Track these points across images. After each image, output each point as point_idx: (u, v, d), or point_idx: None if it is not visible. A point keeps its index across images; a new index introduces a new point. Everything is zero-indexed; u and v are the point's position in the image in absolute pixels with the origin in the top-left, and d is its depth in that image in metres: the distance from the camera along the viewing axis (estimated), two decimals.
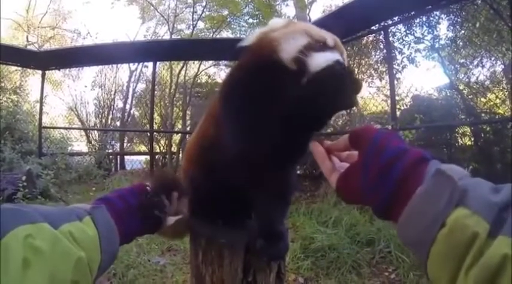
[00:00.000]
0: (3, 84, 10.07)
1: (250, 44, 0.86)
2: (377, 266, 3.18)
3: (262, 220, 0.98)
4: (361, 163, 0.58)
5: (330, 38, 0.78)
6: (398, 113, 5.55)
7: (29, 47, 11.57)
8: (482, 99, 5.90)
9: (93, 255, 0.62)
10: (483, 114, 5.55)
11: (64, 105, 10.77)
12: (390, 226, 3.63)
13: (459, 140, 5.34)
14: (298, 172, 6.29)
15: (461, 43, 6.56)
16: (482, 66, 6.29)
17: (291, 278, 2.87)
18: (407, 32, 6.47)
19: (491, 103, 5.72)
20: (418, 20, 6.22)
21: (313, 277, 2.93)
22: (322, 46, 0.76)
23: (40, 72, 8.16)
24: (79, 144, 10.22)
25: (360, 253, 3.24)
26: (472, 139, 5.21)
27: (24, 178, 5.33)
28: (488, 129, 4.92)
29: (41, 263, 0.52)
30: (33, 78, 10.78)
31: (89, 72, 10.67)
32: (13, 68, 10.24)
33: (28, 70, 10.24)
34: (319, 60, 0.71)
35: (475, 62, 6.46)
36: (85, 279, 0.61)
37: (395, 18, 5.56)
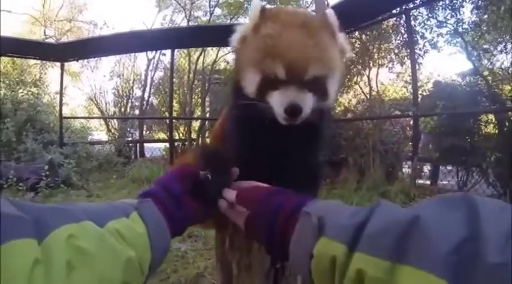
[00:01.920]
0: (23, 78, 10.31)
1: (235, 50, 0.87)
2: None
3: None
4: (254, 217, 0.69)
5: (280, 68, 0.73)
6: (419, 99, 5.42)
7: (47, 41, 11.78)
8: (507, 86, 5.70)
9: (143, 254, 0.59)
10: (508, 102, 5.36)
11: (83, 95, 11.03)
12: None
13: (483, 128, 5.18)
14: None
15: (485, 27, 6.32)
16: (507, 52, 6.06)
17: None
18: (430, 15, 6.27)
19: None
20: (440, 3, 6.02)
21: None
22: (275, 81, 0.75)
23: (59, 64, 8.30)
24: (99, 133, 10.44)
25: None
26: (496, 127, 5.04)
27: (46, 167, 5.48)
28: None
29: (87, 265, 0.48)
30: (53, 70, 11.02)
31: (107, 62, 10.78)
32: (32, 61, 10.49)
33: (47, 63, 10.47)
34: (275, 107, 0.75)
35: (499, 48, 6.23)
36: (136, 280, 0.58)
37: (417, 1, 5.40)
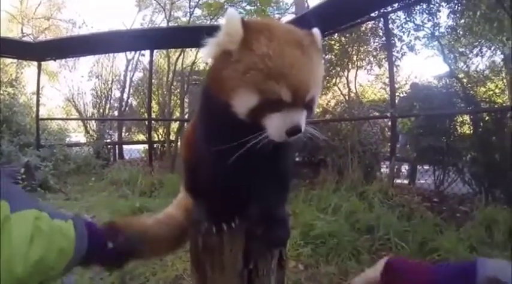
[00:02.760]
0: None
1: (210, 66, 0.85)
2: (377, 253, 3.19)
3: (261, 206, 0.96)
4: None
5: (285, 91, 0.72)
6: (396, 101, 5.53)
7: (24, 39, 11.46)
8: (482, 88, 5.88)
9: (69, 250, 0.78)
10: (482, 103, 5.54)
11: (61, 96, 10.79)
12: (390, 214, 3.66)
13: (458, 129, 5.33)
14: (297, 159, 6.31)
15: (461, 31, 6.52)
16: (482, 56, 6.27)
17: (291, 265, 2.88)
18: (407, 19, 6.42)
19: (491, 92, 5.71)
20: (418, 7, 6.16)
21: (313, 263, 2.94)
22: (277, 104, 0.73)
23: (36, 63, 8.08)
24: (77, 134, 10.24)
25: (360, 240, 3.25)
26: (471, 128, 5.20)
27: (22, 170, 5.34)
28: (487, 118, 4.90)
29: (40, 242, 0.69)
30: (29, 70, 10.73)
31: (86, 62, 10.64)
32: (8, 60, 10.20)
33: (24, 62, 10.18)
34: (273, 129, 0.74)
35: (475, 51, 6.43)
36: (59, 267, 0.76)
37: (395, 5, 5.50)
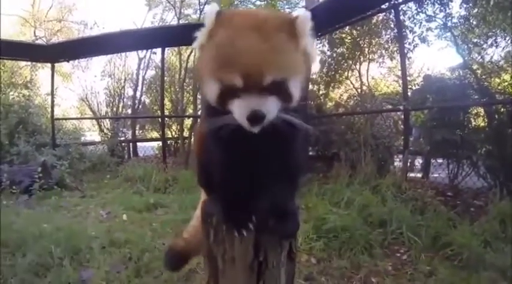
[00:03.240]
0: (14, 80, 10.22)
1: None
2: (389, 247, 3.18)
3: (272, 199, 0.98)
4: None
5: (237, 77, 0.73)
6: (409, 93, 5.46)
7: (37, 42, 11.67)
8: (497, 80, 5.75)
9: None
10: (497, 95, 5.41)
11: (75, 96, 10.93)
12: (403, 207, 3.63)
13: (472, 121, 5.23)
14: (311, 153, 6.30)
15: (474, 21, 6.36)
16: (497, 46, 6.10)
17: (303, 259, 2.89)
18: (419, 10, 6.29)
19: (506, 83, 5.57)
20: None
21: (325, 257, 2.95)
22: (234, 90, 0.75)
23: (49, 65, 8.23)
24: (91, 133, 10.39)
25: (372, 234, 3.24)
26: (486, 120, 5.10)
27: (39, 169, 5.46)
28: (502, 110, 4.80)
29: None
30: (43, 71, 10.90)
31: (98, 62, 10.73)
32: (23, 63, 10.39)
33: (38, 64, 10.35)
34: (236, 115, 0.75)
35: (489, 41, 6.27)
36: None
37: None
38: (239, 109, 0.74)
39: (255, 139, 0.78)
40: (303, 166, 1.04)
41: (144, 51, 9.98)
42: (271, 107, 0.75)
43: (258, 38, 0.74)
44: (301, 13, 0.83)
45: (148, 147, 9.63)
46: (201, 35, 0.83)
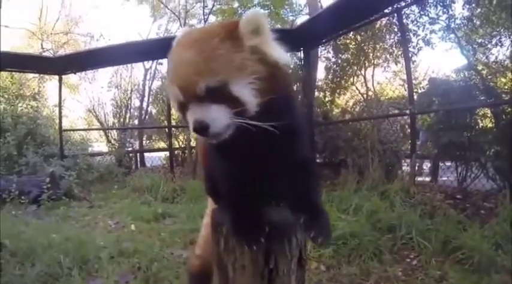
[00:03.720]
0: (22, 92, 10.36)
1: None
2: (399, 252, 3.15)
3: (296, 195, 0.95)
4: None
5: (177, 92, 0.76)
6: (415, 97, 5.44)
7: (44, 54, 11.85)
8: (503, 79, 5.70)
9: None
10: (504, 95, 5.37)
11: (82, 107, 11.07)
12: (411, 212, 3.60)
13: (479, 122, 5.19)
14: (318, 160, 6.28)
15: (478, 22, 6.35)
16: (501, 45, 6.08)
17: (312, 266, 2.88)
18: (421, 13, 6.30)
19: None
20: (431, 0, 6.05)
21: (334, 264, 2.93)
22: (180, 105, 0.78)
23: (57, 77, 8.34)
24: (99, 144, 10.49)
25: (381, 239, 3.21)
26: (493, 121, 5.05)
27: (48, 180, 5.52)
28: (509, 110, 4.76)
29: None
30: (51, 83, 11.07)
31: (105, 74, 10.90)
32: (30, 75, 10.54)
33: (45, 76, 10.50)
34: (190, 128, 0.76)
35: (494, 41, 6.24)
36: None
37: (408, 0, 5.43)
38: (189, 122, 0.76)
39: (254, 144, 0.79)
40: (311, 156, 1.00)
41: (150, 62, 10.08)
42: (214, 115, 0.73)
43: (191, 51, 0.76)
44: (248, 13, 0.81)
45: (156, 157, 9.67)
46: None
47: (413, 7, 6.15)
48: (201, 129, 0.72)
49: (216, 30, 0.79)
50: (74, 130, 10.13)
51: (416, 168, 5.21)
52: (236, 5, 9.60)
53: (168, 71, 0.79)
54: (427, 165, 6.21)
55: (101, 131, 10.55)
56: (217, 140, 0.75)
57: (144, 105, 10.96)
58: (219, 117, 0.73)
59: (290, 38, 6.40)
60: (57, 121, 8.53)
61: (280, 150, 0.87)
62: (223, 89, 0.73)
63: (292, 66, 7.59)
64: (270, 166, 0.90)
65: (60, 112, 8.18)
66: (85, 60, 7.79)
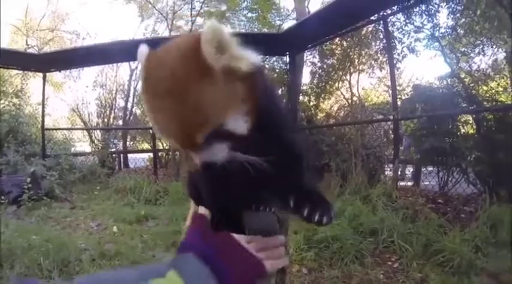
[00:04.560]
0: (4, 88, 10.12)
1: None
2: (380, 255, 3.19)
3: (294, 186, 0.87)
4: None
5: (173, 143, 0.73)
6: (399, 103, 5.53)
7: (29, 50, 11.62)
8: (484, 87, 5.85)
9: None
10: (485, 102, 5.51)
11: (66, 106, 10.84)
12: (393, 216, 3.65)
13: (461, 129, 5.31)
14: None
15: (461, 31, 6.51)
16: (484, 54, 6.23)
17: (294, 270, 2.89)
18: (407, 21, 6.42)
19: (493, 91, 5.68)
20: (417, 9, 6.17)
21: (316, 267, 2.95)
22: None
23: (41, 74, 8.18)
24: (82, 144, 10.31)
25: (363, 243, 3.25)
26: (474, 127, 5.18)
27: (28, 180, 5.39)
28: (490, 117, 4.88)
29: None
30: (34, 80, 10.83)
31: (90, 73, 10.73)
32: (14, 71, 10.31)
33: (29, 73, 10.29)
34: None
35: (476, 50, 6.40)
36: None
37: (394, 8, 5.52)
38: (192, 158, 0.74)
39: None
40: (302, 147, 0.92)
41: (136, 62, 9.98)
42: (217, 151, 0.72)
43: (172, 104, 0.65)
44: (205, 32, 0.64)
45: (139, 159, 9.57)
46: None
47: (399, 15, 6.27)
48: (209, 167, 0.72)
49: (184, 66, 0.66)
50: (56, 129, 9.92)
51: (399, 172, 5.30)
52: (224, 7, 9.62)
53: (150, 115, 0.69)
54: (409, 170, 6.32)
55: (85, 131, 10.38)
56: None
57: (129, 105, 10.82)
58: (221, 153, 0.72)
59: (276, 42, 6.48)
60: (39, 119, 8.36)
61: (266, 152, 0.80)
62: (220, 130, 0.69)
63: (277, 70, 7.64)
64: (255, 172, 0.88)
65: (43, 111, 8.02)
66: (70, 58, 7.65)
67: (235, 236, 0.75)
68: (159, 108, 0.67)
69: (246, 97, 0.72)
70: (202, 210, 0.86)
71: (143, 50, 0.73)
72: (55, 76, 10.84)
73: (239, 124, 0.71)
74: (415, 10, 6.20)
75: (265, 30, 8.76)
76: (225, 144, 0.72)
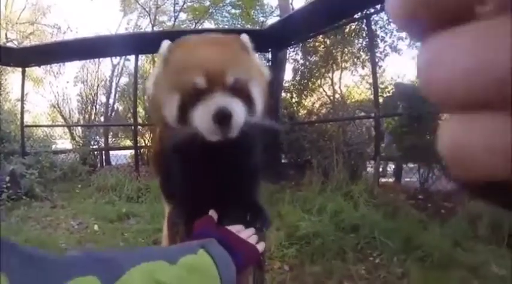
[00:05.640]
0: None
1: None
2: (362, 251, 3.23)
3: (243, 197, 0.99)
4: None
5: (199, 77, 0.71)
6: (381, 100, 5.60)
7: (8, 44, 11.30)
8: None
9: None
10: None
11: (46, 102, 10.62)
12: (374, 212, 3.71)
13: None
14: (283, 160, 6.35)
15: None
16: None
17: (276, 266, 2.90)
18: (390, 20, 6.47)
19: None
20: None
21: (298, 264, 2.97)
22: (196, 94, 0.72)
23: (20, 69, 7.94)
24: (63, 141, 10.09)
25: (345, 239, 3.28)
26: None
27: (7, 179, 5.26)
28: None
29: None
30: (13, 75, 10.58)
31: (71, 68, 10.51)
32: None
33: (7, 68, 10.01)
34: (201, 121, 0.71)
35: None
36: None
37: (378, 7, 5.58)
38: (203, 112, 0.70)
39: (217, 152, 0.79)
40: (260, 167, 1.04)
41: (118, 57, 9.86)
42: (237, 107, 0.71)
43: (218, 48, 0.78)
44: (242, 36, 0.87)
45: (121, 156, 9.45)
46: (154, 73, 0.86)
47: (382, 14, 6.34)
48: (225, 116, 0.69)
49: (228, 38, 0.85)
50: (36, 126, 9.71)
51: (381, 169, 5.37)
52: (207, 3, 9.55)
53: (179, 64, 0.77)
54: (391, 167, 6.42)
55: (65, 128, 10.17)
56: (228, 136, 0.72)
57: (111, 101, 10.68)
58: (241, 110, 0.72)
59: (259, 38, 6.44)
60: (18, 116, 8.15)
61: (235, 158, 0.89)
62: (245, 86, 0.75)
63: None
64: (224, 174, 0.92)
65: (22, 107, 7.81)
66: (51, 53, 7.46)
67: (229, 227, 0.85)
68: (206, 50, 0.77)
69: (264, 89, 0.84)
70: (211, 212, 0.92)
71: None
72: (35, 71, 10.59)
73: (258, 97, 0.80)
74: None
75: (248, 26, 8.74)
76: (243, 104, 0.74)
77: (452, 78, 0.14)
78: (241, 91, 0.74)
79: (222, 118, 0.69)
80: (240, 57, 0.81)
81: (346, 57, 7.40)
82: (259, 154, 1.00)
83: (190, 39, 0.83)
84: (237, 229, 0.85)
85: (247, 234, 0.85)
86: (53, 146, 8.98)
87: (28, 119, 9.03)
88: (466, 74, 0.13)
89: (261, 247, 0.86)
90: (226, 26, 8.53)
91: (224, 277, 0.66)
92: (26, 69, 8.07)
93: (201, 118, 0.71)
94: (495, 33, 0.13)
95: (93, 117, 10.34)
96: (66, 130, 10.09)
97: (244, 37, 0.86)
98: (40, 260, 0.44)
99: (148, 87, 0.86)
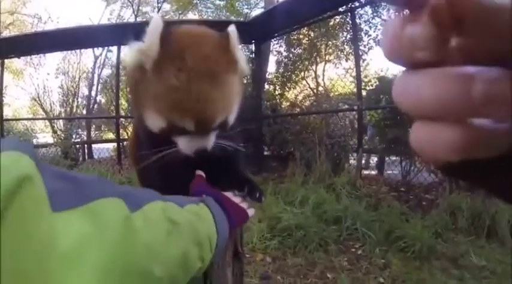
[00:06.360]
0: None
1: None
2: (344, 243, 3.26)
3: (237, 176, 1.01)
4: None
5: (189, 123, 0.74)
6: (364, 93, 5.64)
7: None
8: None
9: (212, 235, 0.68)
10: None
11: (27, 95, 10.34)
12: (357, 204, 3.75)
13: None
14: (266, 153, 6.36)
15: None
16: None
17: (258, 258, 2.91)
18: (374, 14, 6.55)
19: None
20: (384, 3, 6.27)
21: (280, 256, 2.98)
22: (182, 130, 0.76)
23: None
24: (44, 135, 9.85)
25: (327, 230, 3.30)
26: None
27: None
28: None
29: (178, 235, 0.57)
30: None
31: (52, 59, 10.26)
32: None
33: None
34: (182, 147, 0.79)
35: None
36: (207, 256, 0.66)
37: (362, 0, 5.60)
38: (186, 145, 0.78)
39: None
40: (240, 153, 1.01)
41: (100, 48, 9.67)
42: (212, 141, 0.79)
43: (211, 83, 0.73)
44: (230, 30, 0.81)
45: (104, 149, 9.30)
46: (140, 53, 0.76)
47: (367, 8, 6.38)
48: (202, 152, 0.79)
49: (220, 52, 0.78)
50: (16, 119, 9.48)
51: (364, 162, 5.43)
52: None
53: (171, 96, 0.72)
54: (373, 159, 6.50)
55: (47, 121, 9.93)
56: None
57: (93, 93, 10.50)
58: (213, 141, 0.80)
59: (242, 30, 6.39)
60: None
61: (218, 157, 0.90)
62: (224, 123, 0.80)
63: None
64: (204, 164, 0.93)
65: (1, 100, 7.63)
66: (31, 43, 7.24)
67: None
68: (201, 89, 0.72)
69: (242, 85, 0.87)
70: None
71: (158, 19, 0.75)
72: (14, 62, 10.31)
73: (232, 119, 0.83)
74: (382, 4, 6.32)
75: (232, 18, 8.67)
76: (216, 133, 0.81)
77: (415, 99, 0.22)
78: (222, 125, 0.80)
79: (201, 153, 0.79)
80: (228, 92, 0.78)
81: (330, 50, 7.43)
82: (237, 139, 1.00)
83: (187, 52, 0.73)
84: (228, 194, 0.89)
85: (238, 200, 0.89)
86: (34, 140, 8.78)
87: (8, 112, 8.83)
88: (423, 98, 0.21)
89: (251, 212, 0.90)
90: (210, 17, 8.43)
91: (220, 232, 0.70)
92: (5, 60, 7.88)
93: (183, 147, 0.79)
94: (438, 77, 0.20)
95: (75, 110, 10.11)
96: (48, 123, 9.85)
97: (233, 30, 0.81)
98: (73, 177, 0.45)
99: (127, 60, 0.80)
